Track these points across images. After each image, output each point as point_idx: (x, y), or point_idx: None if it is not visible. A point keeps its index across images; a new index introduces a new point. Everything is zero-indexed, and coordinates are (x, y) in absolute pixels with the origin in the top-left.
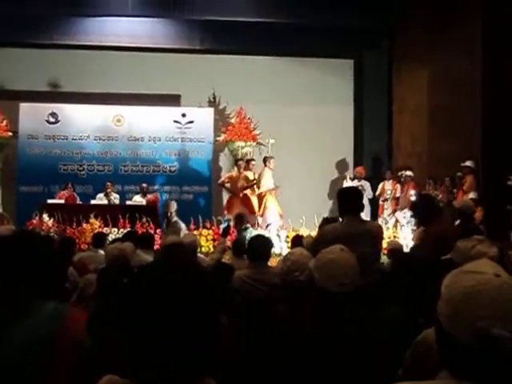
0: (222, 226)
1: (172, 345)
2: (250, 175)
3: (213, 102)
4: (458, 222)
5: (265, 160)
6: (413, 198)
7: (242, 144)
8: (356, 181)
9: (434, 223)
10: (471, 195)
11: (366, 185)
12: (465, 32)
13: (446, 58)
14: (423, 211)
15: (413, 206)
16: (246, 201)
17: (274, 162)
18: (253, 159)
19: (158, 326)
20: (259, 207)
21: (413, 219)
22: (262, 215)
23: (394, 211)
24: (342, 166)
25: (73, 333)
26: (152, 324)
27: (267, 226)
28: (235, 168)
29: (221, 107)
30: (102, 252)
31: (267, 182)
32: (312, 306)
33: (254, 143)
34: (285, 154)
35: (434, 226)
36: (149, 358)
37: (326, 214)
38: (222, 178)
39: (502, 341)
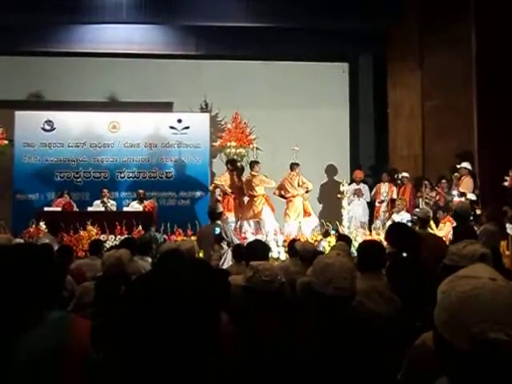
0: (215, 233)
1: (172, 354)
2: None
3: (205, 108)
4: (454, 225)
5: (292, 166)
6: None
7: (234, 144)
8: (354, 184)
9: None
10: (469, 196)
11: (365, 188)
12: (458, 31)
13: (440, 58)
14: (396, 241)
15: (388, 235)
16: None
17: (300, 168)
18: (258, 161)
19: (157, 337)
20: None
21: (410, 222)
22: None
23: (391, 213)
24: (337, 169)
25: (79, 343)
26: (151, 334)
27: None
28: (228, 172)
29: (213, 113)
30: (99, 259)
31: (292, 188)
32: (309, 310)
33: (250, 146)
34: (280, 158)
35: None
36: (149, 368)
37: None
38: (222, 183)
39: (500, 345)
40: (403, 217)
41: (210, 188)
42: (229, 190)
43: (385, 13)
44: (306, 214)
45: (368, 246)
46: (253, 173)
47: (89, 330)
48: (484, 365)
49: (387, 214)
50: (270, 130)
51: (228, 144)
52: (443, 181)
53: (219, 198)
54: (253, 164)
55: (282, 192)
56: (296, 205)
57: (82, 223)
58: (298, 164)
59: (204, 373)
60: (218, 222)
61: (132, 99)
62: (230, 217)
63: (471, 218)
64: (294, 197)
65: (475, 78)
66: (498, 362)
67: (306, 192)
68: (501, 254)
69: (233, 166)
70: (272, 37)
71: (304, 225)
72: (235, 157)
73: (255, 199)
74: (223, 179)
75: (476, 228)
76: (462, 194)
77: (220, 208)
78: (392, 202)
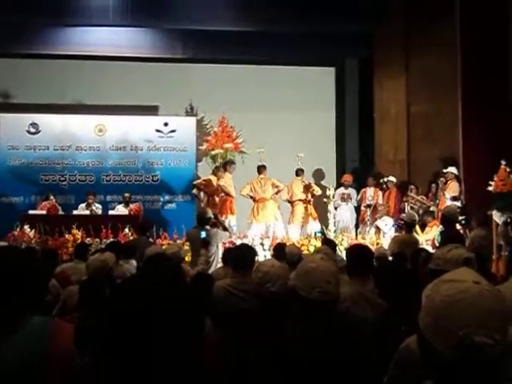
0: (200, 237)
1: (157, 357)
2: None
3: (191, 112)
4: (440, 229)
5: (297, 172)
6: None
7: (229, 145)
8: (342, 188)
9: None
10: (456, 202)
11: (353, 192)
12: (443, 34)
13: (426, 61)
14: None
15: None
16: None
17: (304, 174)
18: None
19: (142, 343)
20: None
21: (396, 226)
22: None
23: (375, 219)
24: (323, 173)
25: (62, 347)
26: (136, 338)
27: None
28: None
29: (198, 117)
30: (84, 263)
31: (299, 192)
32: (293, 315)
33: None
34: (267, 161)
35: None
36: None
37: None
38: (226, 184)
39: (485, 348)
40: (386, 222)
41: (195, 190)
42: (232, 192)
43: (370, 16)
44: (312, 217)
45: (357, 251)
46: (261, 176)
47: (72, 334)
48: (469, 368)
49: (371, 219)
50: (257, 134)
51: (225, 146)
52: (433, 185)
53: (203, 201)
54: (261, 168)
55: (289, 197)
56: (297, 209)
57: (67, 227)
58: (302, 170)
59: (190, 375)
60: (207, 227)
61: (118, 102)
62: (233, 220)
63: (463, 222)
64: (299, 201)
65: (460, 81)
66: (483, 366)
67: (312, 196)
68: (486, 258)
69: (231, 167)
70: (258, 41)
71: (308, 228)
72: (231, 158)
73: (267, 202)
74: (223, 181)
75: (467, 233)
76: (455, 198)
77: (209, 213)
78: (376, 206)
